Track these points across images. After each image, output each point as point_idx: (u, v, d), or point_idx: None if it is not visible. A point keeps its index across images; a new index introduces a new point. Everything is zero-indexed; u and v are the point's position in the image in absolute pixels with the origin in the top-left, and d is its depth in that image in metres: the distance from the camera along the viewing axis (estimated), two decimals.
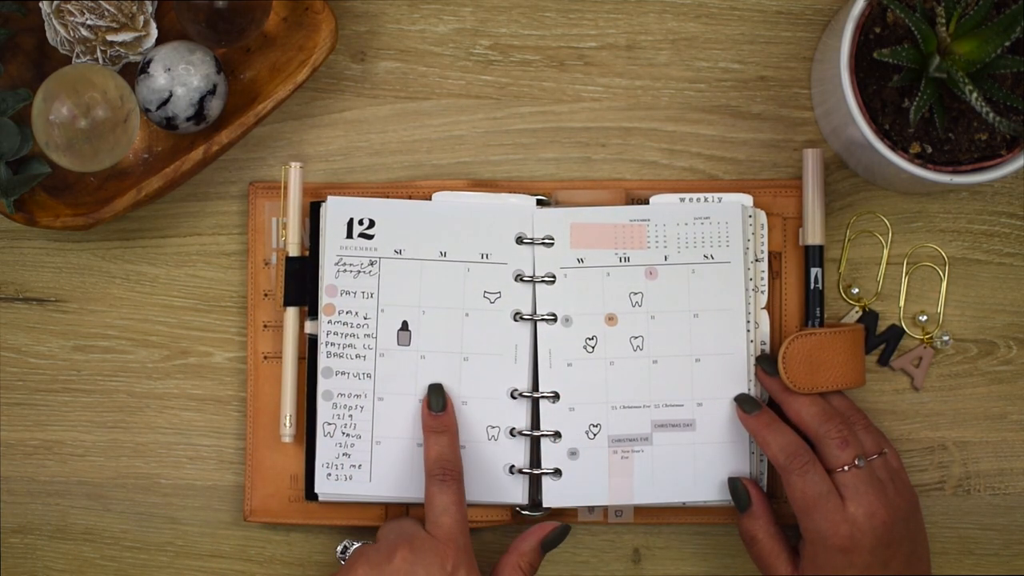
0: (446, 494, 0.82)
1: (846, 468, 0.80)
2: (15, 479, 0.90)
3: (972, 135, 0.80)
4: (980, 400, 0.88)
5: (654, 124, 0.88)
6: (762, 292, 0.86)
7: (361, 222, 0.85)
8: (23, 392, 0.90)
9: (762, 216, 0.86)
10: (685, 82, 0.88)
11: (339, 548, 0.84)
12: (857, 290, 0.88)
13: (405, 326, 0.85)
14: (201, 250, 0.89)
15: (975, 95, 0.76)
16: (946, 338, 0.88)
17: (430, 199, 0.86)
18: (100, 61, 0.85)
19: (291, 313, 0.87)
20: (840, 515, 0.80)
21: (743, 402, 0.84)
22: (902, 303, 0.88)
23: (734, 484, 0.85)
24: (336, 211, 0.85)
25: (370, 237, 0.85)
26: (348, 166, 0.89)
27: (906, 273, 0.88)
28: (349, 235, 0.85)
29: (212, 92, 0.84)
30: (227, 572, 0.89)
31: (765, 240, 0.86)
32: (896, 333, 0.88)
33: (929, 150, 0.79)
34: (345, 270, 0.85)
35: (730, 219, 0.85)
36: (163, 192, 0.85)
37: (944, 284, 0.88)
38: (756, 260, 0.85)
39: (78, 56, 0.85)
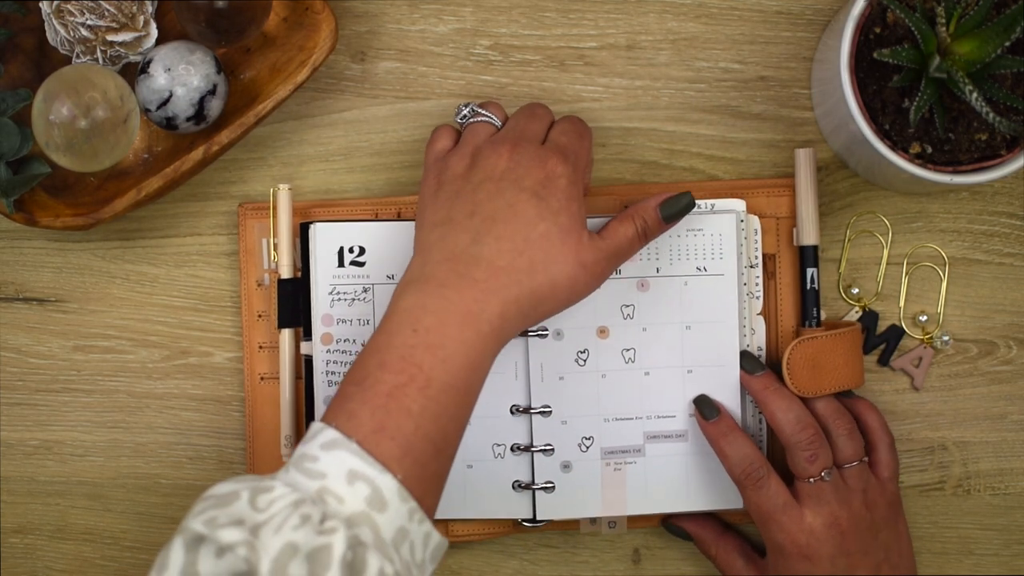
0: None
1: (812, 480, 0.80)
2: (15, 479, 0.90)
3: (972, 135, 0.80)
4: (980, 400, 0.88)
5: (654, 124, 0.88)
6: (757, 298, 0.85)
7: (352, 250, 0.85)
8: (23, 392, 0.90)
9: (755, 221, 0.85)
10: (685, 82, 0.88)
11: (462, 108, 0.81)
12: (857, 290, 0.88)
13: None
14: (201, 250, 0.89)
15: (975, 95, 0.76)
16: (946, 338, 0.88)
17: None
18: (100, 61, 0.85)
19: (286, 335, 0.86)
20: (797, 526, 0.80)
21: (702, 405, 0.84)
22: (902, 303, 0.88)
23: (670, 528, 0.87)
24: (325, 239, 0.84)
25: (361, 264, 0.85)
26: (348, 166, 0.89)
27: (906, 273, 0.88)
28: (340, 264, 0.85)
29: (212, 92, 0.84)
30: None
31: (759, 245, 0.85)
32: (896, 333, 0.88)
33: (929, 150, 0.79)
34: (340, 299, 0.85)
35: (724, 231, 0.84)
36: (163, 192, 0.85)
37: (944, 284, 0.88)
38: (750, 266, 0.85)
39: (78, 56, 0.85)
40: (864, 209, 0.88)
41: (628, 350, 0.84)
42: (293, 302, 0.86)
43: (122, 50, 0.85)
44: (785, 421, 0.81)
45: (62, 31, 0.84)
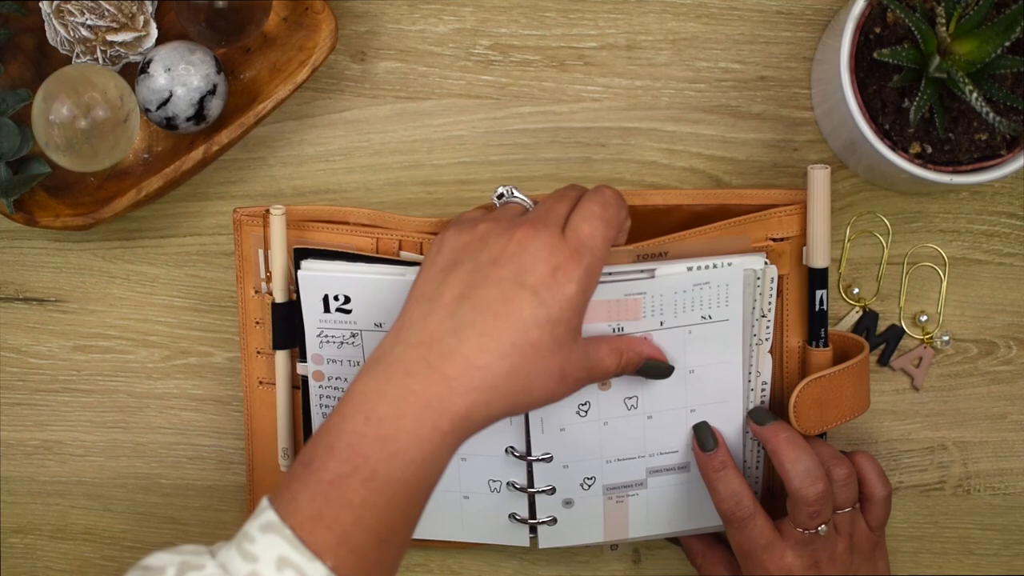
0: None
1: (806, 532, 0.80)
2: (15, 479, 0.90)
3: (972, 135, 0.80)
4: (980, 400, 0.88)
5: (654, 124, 0.88)
6: (766, 340, 0.83)
7: (336, 298, 0.82)
8: (23, 392, 0.90)
9: (772, 271, 0.81)
10: (685, 82, 0.88)
11: (499, 189, 0.79)
12: (857, 290, 0.88)
13: None
14: (201, 250, 0.89)
15: (975, 95, 0.76)
16: (946, 338, 0.88)
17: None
18: (100, 61, 0.85)
19: (281, 357, 0.85)
20: (776, 564, 0.80)
21: (700, 433, 0.83)
22: (902, 303, 0.88)
23: (674, 540, 0.88)
24: (309, 285, 0.82)
25: (348, 312, 0.82)
26: (348, 166, 0.89)
27: (906, 273, 0.88)
28: (327, 310, 0.82)
29: (212, 92, 0.84)
30: None
31: (774, 294, 0.82)
32: (896, 333, 0.88)
33: (929, 150, 0.79)
34: (328, 341, 0.83)
35: (731, 282, 0.80)
36: (163, 192, 0.85)
37: (944, 284, 0.88)
38: (762, 316, 0.82)
39: (78, 56, 0.85)
40: (864, 209, 0.88)
41: (630, 398, 0.82)
42: (288, 325, 0.84)
43: (122, 50, 0.85)
44: (795, 472, 0.79)
45: (62, 31, 0.84)
